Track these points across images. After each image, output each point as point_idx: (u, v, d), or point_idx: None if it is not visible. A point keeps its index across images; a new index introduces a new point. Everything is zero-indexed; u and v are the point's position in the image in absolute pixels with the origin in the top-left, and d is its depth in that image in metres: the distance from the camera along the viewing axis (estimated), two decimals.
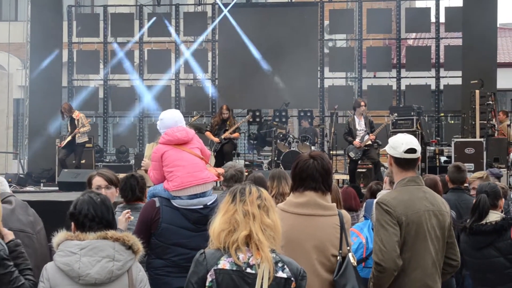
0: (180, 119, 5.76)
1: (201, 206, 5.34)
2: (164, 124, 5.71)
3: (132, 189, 5.91)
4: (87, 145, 17.52)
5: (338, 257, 4.31)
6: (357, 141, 14.49)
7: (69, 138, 16.33)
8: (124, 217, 5.31)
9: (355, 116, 14.91)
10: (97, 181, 5.71)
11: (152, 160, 5.56)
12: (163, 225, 5.25)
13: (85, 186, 5.88)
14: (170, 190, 5.33)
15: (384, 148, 4.99)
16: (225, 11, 21.19)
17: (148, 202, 5.47)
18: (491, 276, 6.06)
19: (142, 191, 5.95)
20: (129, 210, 5.52)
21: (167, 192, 5.35)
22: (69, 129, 16.53)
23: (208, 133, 16.04)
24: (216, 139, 15.93)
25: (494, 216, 6.12)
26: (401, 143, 4.77)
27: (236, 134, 16.01)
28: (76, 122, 16.41)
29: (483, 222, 6.09)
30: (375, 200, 6.76)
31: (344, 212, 4.56)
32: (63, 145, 16.48)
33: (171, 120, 5.72)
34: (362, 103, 14.89)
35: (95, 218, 4.02)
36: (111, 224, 4.06)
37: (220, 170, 5.84)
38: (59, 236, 4.01)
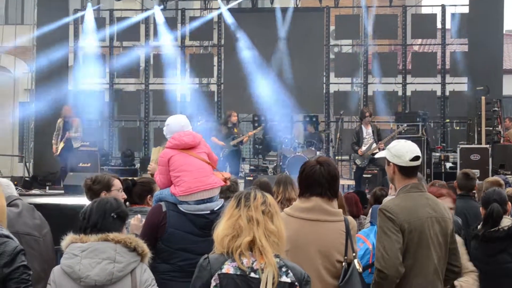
0: (187, 124, 5.75)
1: (208, 212, 5.29)
2: (171, 130, 5.70)
3: None
4: (92, 148, 17.56)
5: (343, 263, 4.31)
6: (360, 150, 14.84)
7: (62, 145, 16.39)
8: (138, 221, 5.29)
9: (362, 125, 15.07)
10: (118, 183, 5.76)
11: (159, 165, 5.51)
12: (169, 230, 5.21)
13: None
14: (177, 195, 5.28)
15: (382, 156, 4.95)
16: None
17: (154, 206, 5.40)
18: (506, 281, 6.04)
19: None
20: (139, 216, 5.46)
21: (173, 197, 5.30)
22: (61, 133, 16.55)
23: (214, 139, 16.21)
24: (221, 143, 16.19)
25: (506, 221, 6.11)
26: (406, 151, 4.75)
27: (246, 139, 16.65)
28: (71, 127, 16.48)
29: (496, 228, 6.07)
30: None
31: (350, 218, 4.55)
32: (59, 152, 16.51)
33: (177, 125, 5.71)
34: (367, 114, 15.10)
35: (84, 220, 4.10)
36: (99, 226, 4.07)
37: (227, 174, 5.81)
38: (66, 239, 4.08)
